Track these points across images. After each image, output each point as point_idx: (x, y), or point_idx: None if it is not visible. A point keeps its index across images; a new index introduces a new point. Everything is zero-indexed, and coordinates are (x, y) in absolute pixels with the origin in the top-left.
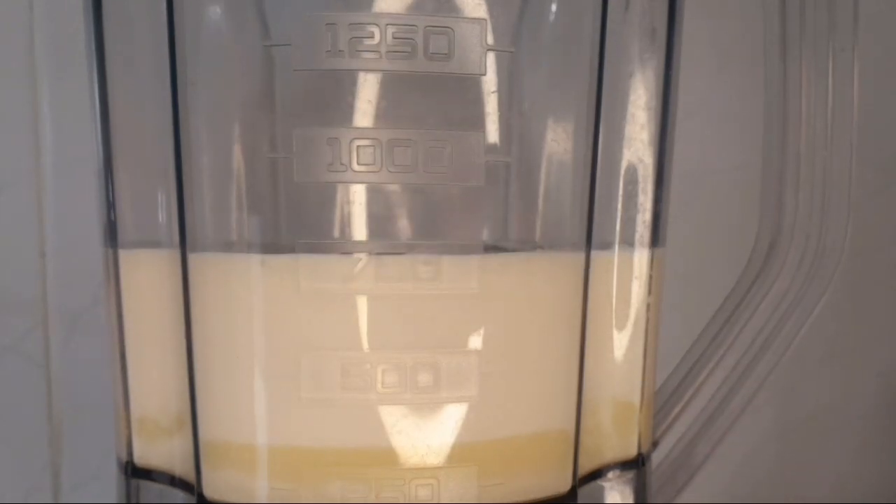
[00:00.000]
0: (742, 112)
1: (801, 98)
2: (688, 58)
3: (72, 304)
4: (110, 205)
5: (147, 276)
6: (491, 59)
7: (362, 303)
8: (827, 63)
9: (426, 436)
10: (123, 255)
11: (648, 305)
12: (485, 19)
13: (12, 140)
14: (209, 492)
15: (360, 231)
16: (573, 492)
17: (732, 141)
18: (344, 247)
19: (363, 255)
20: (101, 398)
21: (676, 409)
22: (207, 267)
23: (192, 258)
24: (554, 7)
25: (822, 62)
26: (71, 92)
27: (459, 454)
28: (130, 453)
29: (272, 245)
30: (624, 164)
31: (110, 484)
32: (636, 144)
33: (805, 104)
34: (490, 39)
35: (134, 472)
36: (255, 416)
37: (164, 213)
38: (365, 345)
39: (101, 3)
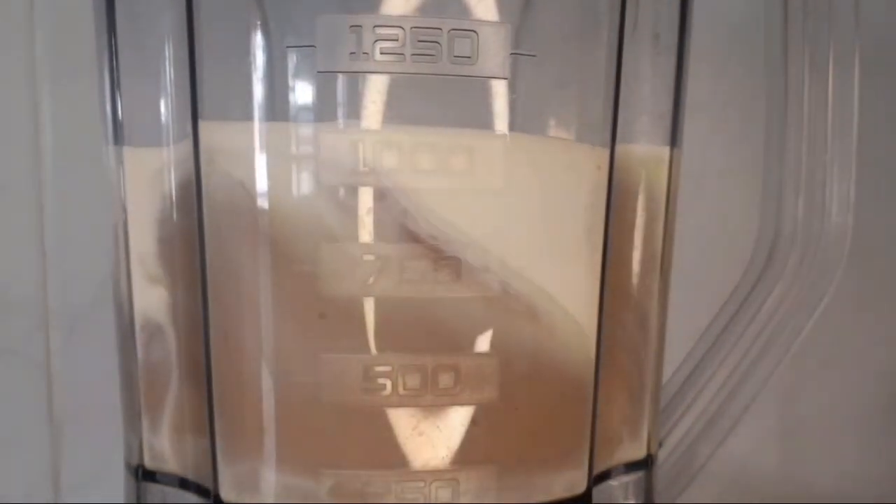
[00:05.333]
0: (744, 112)
1: (801, 99)
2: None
3: (72, 305)
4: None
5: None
6: (513, 62)
7: (383, 305)
8: (827, 64)
9: (447, 437)
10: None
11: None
12: (508, 23)
13: (12, 140)
14: (225, 493)
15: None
16: (588, 492)
17: (734, 141)
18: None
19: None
20: (101, 399)
21: (679, 410)
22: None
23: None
24: (570, 13)
25: (822, 63)
26: (71, 92)
27: (479, 455)
28: (140, 455)
29: None
30: None
31: (111, 484)
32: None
33: (806, 105)
34: (511, 43)
35: (144, 475)
36: (274, 418)
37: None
38: (386, 347)
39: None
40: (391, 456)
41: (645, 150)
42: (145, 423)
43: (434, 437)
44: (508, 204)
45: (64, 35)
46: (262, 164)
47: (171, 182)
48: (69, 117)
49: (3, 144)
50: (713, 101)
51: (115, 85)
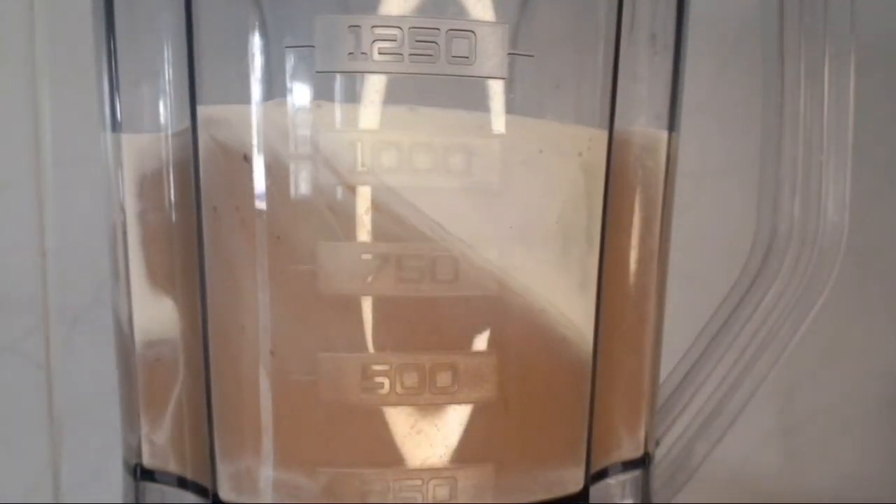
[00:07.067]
0: (742, 112)
1: (798, 99)
2: (687, 59)
3: (72, 304)
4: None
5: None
6: (511, 62)
7: (381, 304)
8: (823, 64)
9: (444, 436)
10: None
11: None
12: (505, 24)
13: (12, 140)
14: (224, 493)
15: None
16: (585, 491)
17: (733, 141)
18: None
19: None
20: (101, 398)
21: (677, 408)
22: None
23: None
24: (568, 13)
25: (818, 63)
26: (71, 92)
27: (477, 453)
28: (139, 455)
29: None
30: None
31: (110, 484)
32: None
33: (802, 104)
34: (509, 43)
35: (143, 474)
36: (273, 417)
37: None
38: (384, 346)
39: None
40: (389, 454)
41: (641, 147)
42: (144, 422)
43: (432, 436)
44: (505, 202)
45: (64, 35)
46: (260, 164)
47: (169, 181)
48: (69, 117)
49: (3, 144)
50: (712, 102)
51: (113, 86)
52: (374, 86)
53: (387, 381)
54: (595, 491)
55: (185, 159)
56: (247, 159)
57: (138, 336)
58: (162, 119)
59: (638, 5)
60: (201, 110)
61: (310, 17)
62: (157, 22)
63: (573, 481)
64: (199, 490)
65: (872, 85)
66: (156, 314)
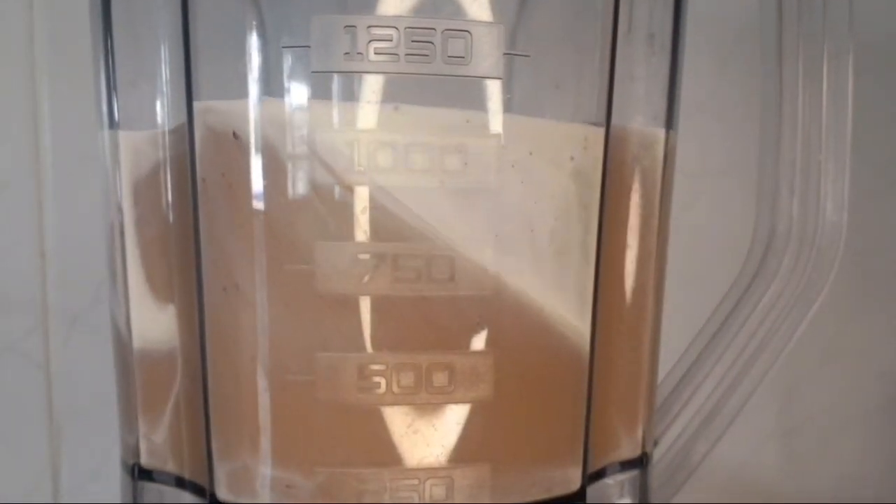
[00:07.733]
0: (742, 112)
1: (797, 99)
2: (687, 59)
3: (72, 304)
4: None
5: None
6: (507, 62)
7: (378, 304)
8: (822, 63)
9: (441, 435)
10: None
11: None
12: (501, 24)
13: (12, 140)
14: (221, 493)
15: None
16: (582, 490)
17: (732, 141)
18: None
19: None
20: (100, 398)
21: (675, 408)
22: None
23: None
24: (566, 13)
25: (817, 63)
26: (71, 91)
27: (474, 453)
28: (137, 455)
29: None
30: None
31: (110, 484)
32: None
33: (801, 104)
34: (506, 43)
35: (141, 474)
36: (270, 416)
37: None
38: (381, 346)
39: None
40: (386, 454)
41: (638, 146)
42: (142, 422)
43: (428, 436)
44: (497, 204)
45: (63, 35)
46: (258, 164)
47: (166, 179)
48: (69, 117)
49: (3, 144)
50: (711, 102)
51: (111, 85)
52: (371, 86)
53: (383, 381)
54: (592, 491)
55: (181, 155)
56: (236, 136)
57: (136, 337)
58: (159, 118)
59: (635, 5)
60: (198, 105)
61: (307, 17)
62: (155, 21)
63: (571, 481)
64: (197, 490)
65: (871, 85)
66: (153, 315)
